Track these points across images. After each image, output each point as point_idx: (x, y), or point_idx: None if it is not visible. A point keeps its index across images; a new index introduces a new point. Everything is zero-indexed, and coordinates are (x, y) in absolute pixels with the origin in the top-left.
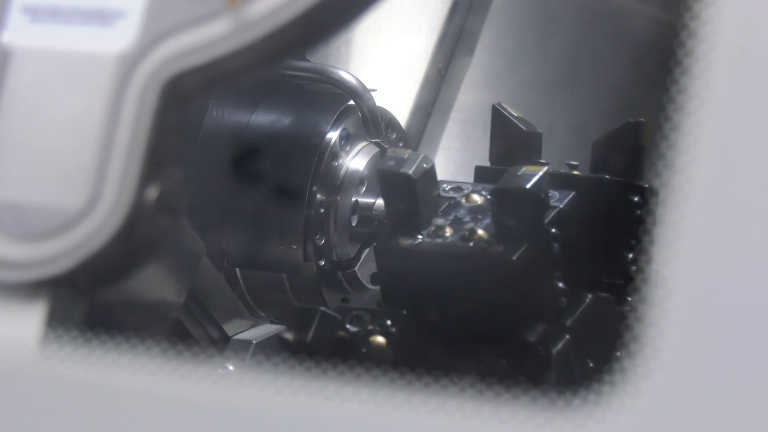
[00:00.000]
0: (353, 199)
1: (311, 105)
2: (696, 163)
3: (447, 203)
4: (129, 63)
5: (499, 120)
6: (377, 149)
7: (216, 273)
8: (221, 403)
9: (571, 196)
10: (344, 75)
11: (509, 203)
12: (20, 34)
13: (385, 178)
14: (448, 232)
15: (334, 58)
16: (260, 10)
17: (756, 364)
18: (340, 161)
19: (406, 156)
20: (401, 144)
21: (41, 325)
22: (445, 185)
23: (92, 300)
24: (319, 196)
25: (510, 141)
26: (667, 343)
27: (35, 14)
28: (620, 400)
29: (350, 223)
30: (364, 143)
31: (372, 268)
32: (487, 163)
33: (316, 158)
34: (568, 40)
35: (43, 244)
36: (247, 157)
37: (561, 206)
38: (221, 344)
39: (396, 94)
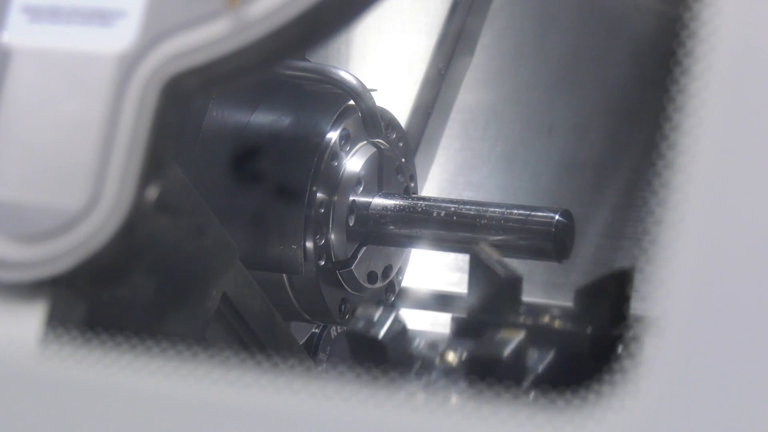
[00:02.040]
0: (351, 198)
1: (311, 105)
2: (696, 163)
3: (420, 361)
4: (129, 63)
5: (476, 266)
6: (374, 149)
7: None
8: (221, 402)
9: (549, 358)
10: (344, 75)
11: (485, 371)
12: (20, 34)
13: (353, 341)
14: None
15: (334, 58)
16: (260, 10)
17: (755, 363)
18: (340, 161)
19: (376, 317)
20: (401, 144)
21: (41, 325)
22: (418, 339)
23: (94, 300)
24: (319, 195)
25: (489, 288)
26: (667, 343)
27: (35, 14)
28: (620, 400)
29: (347, 222)
30: (363, 143)
31: (369, 266)
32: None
33: (316, 158)
34: (568, 40)
35: (43, 244)
36: (247, 157)
37: (539, 371)
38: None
39: (396, 94)
